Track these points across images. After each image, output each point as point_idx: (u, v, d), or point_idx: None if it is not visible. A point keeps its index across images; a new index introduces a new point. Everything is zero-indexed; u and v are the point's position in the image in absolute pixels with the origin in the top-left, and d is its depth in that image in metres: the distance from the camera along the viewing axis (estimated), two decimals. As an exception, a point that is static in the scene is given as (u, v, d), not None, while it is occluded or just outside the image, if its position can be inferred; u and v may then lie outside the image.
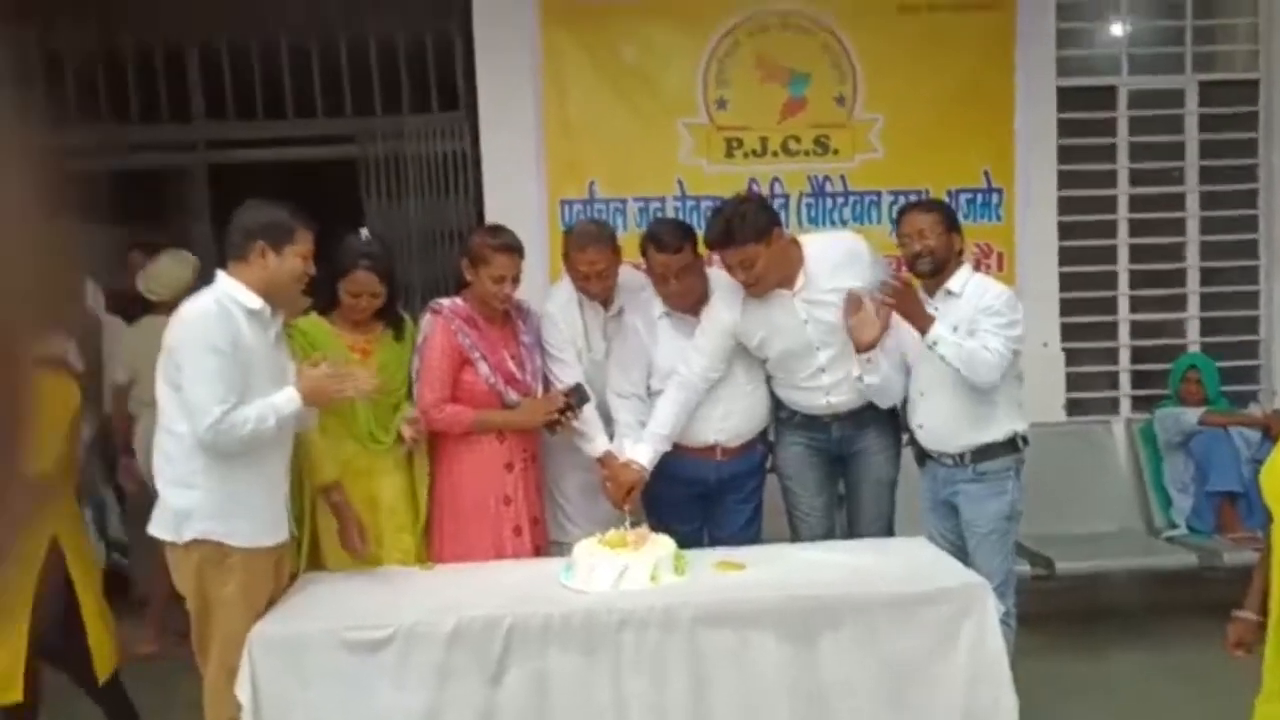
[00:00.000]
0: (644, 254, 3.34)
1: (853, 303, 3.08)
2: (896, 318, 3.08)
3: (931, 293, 3.15)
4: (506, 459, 3.19)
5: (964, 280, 3.12)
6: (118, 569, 4.72)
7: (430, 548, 3.16)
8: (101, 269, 4.66)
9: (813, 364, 3.27)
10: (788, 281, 3.22)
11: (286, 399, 2.64)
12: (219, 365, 2.53)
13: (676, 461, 3.30)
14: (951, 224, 3.17)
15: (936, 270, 3.12)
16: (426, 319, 3.18)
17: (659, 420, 3.28)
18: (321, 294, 3.06)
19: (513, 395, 3.18)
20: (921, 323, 3.02)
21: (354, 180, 4.49)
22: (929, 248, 3.10)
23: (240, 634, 2.58)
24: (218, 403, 2.51)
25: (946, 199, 4.35)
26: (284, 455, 2.79)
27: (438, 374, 3.11)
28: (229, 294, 2.63)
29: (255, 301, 2.64)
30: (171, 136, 4.94)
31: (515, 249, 3.14)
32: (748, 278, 3.15)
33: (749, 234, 3.09)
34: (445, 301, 3.19)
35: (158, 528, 2.66)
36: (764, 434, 3.50)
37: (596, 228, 3.40)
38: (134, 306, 4.57)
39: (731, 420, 3.38)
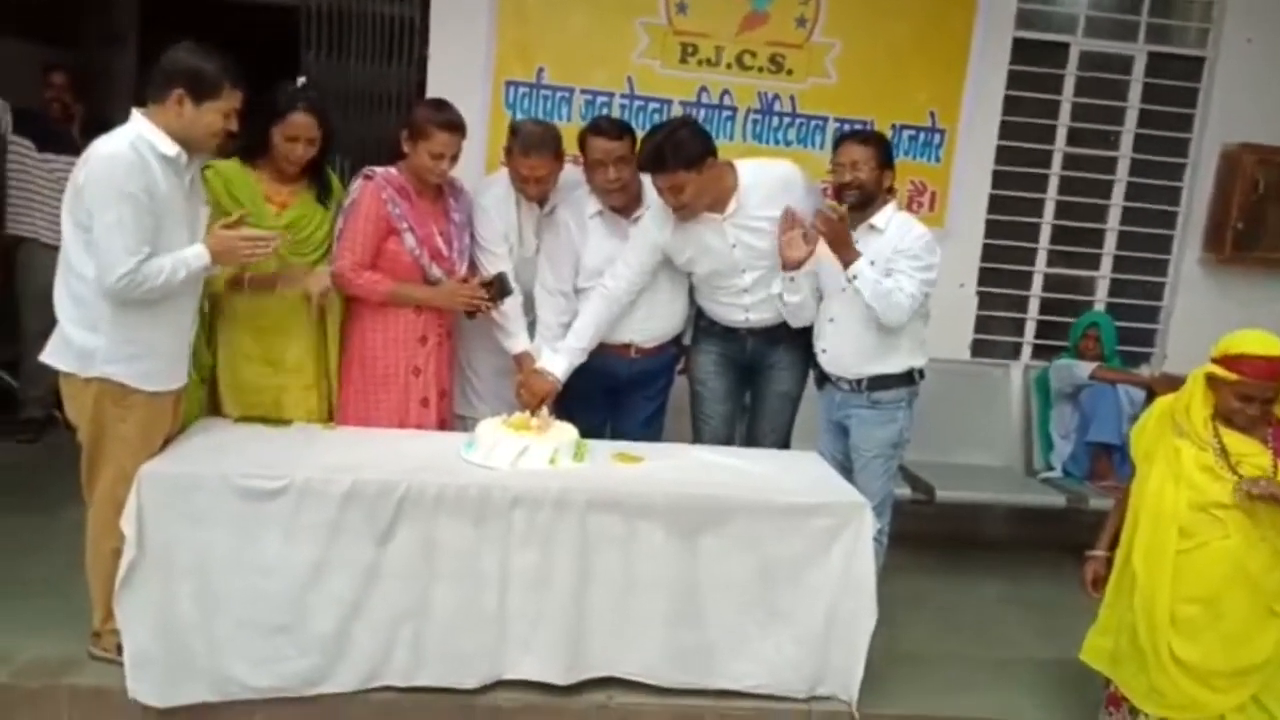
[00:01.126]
0: (582, 147, 3.32)
1: (787, 220, 3.12)
2: (822, 243, 3.14)
3: (855, 226, 3.20)
4: (421, 332, 3.21)
5: (888, 218, 3.17)
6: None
7: (335, 410, 3.17)
8: (11, 86, 4.43)
9: (737, 284, 3.33)
10: (719, 205, 3.23)
11: (196, 254, 2.60)
12: (132, 214, 2.46)
13: (591, 356, 3.36)
14: (885, 160, 3.20)
15: (864, 204, 3.17)
16: (357, 183, 3.13)
17: (578, 333, 3.31)
18: (252, 141, 2.96)
19: (436, 271, 3.17)
20: (847, 254, 3.08)
21: (294, 30, 4.31)
22: (859, 180, 3.14)
23: (132, 470, 2.59)
24: (130, 254, 2.46)
25: (891, 133, 4.40)
26: (191, 301, 2.76)
27: (360, 238, 3.08)
28: (144, 137, 2.53)
29: (170, 147, 2.56)
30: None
31: (458, 127, 3.10)
32: (675, 203, 3.15)
33: (680, 161, 3.08)
34: (379, 169, 3.14)
35: (57, 359, 2.61)
36: (678, 337, 3.57)
37: (542, 132, 3.29)
38: (48, 131, 4.40)
39: (651, 323, 3.44)
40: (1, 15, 4.51)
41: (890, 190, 3.24)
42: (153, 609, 2.60)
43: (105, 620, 2.71)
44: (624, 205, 3.36)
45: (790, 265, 3.14)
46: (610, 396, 3.51)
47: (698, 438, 3.54)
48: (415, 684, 2.74)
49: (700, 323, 3.54)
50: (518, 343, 3.36)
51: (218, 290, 2.94)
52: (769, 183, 3.26)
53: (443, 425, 3.31)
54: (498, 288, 3.23)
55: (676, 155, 3.07)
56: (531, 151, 3.22)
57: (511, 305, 3.33)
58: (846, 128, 4.28)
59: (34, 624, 2.90)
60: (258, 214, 2.89)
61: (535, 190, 3.30)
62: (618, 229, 3.37)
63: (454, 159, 3.12)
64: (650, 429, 3.53)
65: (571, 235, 3.37)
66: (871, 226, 3.17)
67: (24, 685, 2.69)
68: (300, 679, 2.68)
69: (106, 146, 2.51)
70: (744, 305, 3.36)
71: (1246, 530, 2.46)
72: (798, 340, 3.41)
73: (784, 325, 3.37)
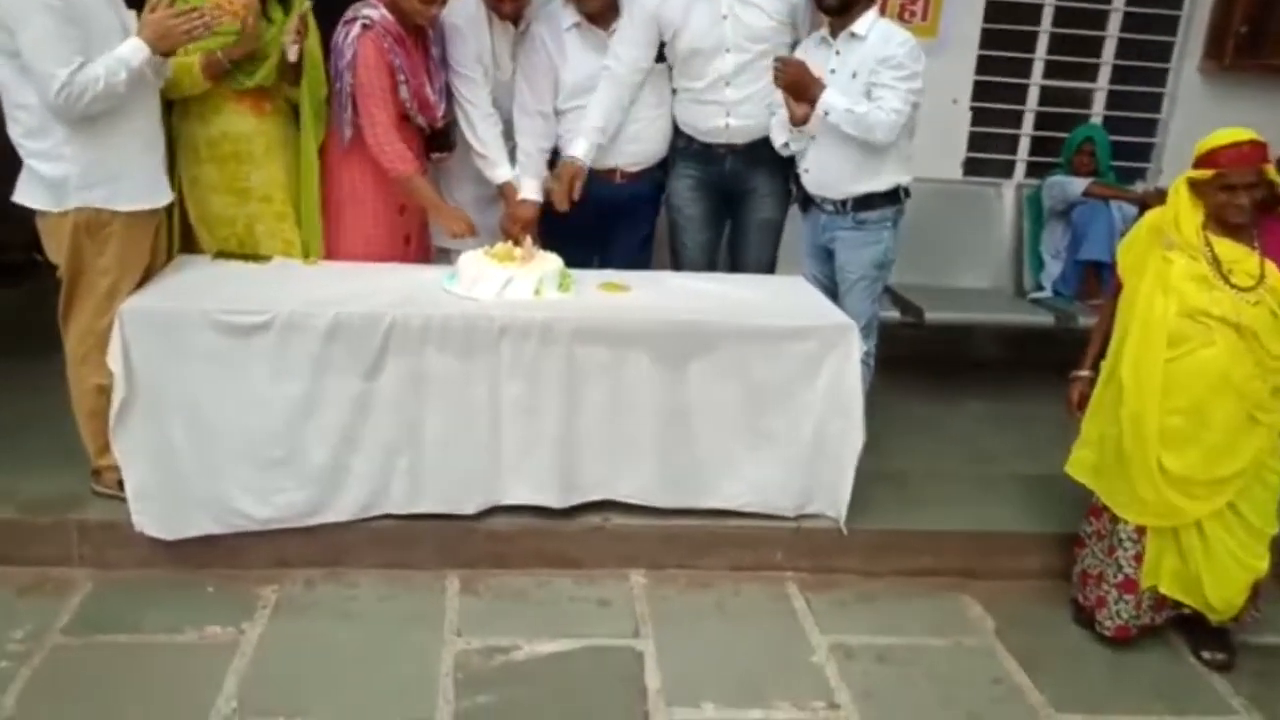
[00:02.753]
0: (554, -51, 3.15)
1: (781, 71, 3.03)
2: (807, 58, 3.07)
3: (836, 34, 3.09)
4: (407, 170, 3.13)
5: (870, 24, 3.05)
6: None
7: (314, 244, 3.10)
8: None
9: (718, 69, 3.21)
10: None
11: (132, 49, 2.50)
12: (54, 23, 2.36)
13: (575, 183, 3.29)
14: None
15: (843, 9, 3.04)
16: (355, 33, 2.94)
17: (592, 116, 3.24)
18: None
19: (420, 120, 3.10)
20: (813, 93, 3.01)
21: None
22: None
23: (109, 305, 2.57)
24: (61, 65, 2.38)
25: (882, -64, 4.16)
26: (152, 111, 2.68)
27: (379, 94, 2.96)
28: None
29: None
30: None
31: None
32: None
33: None
34: (374, 15, 2.95)
35: (29, 197, 2.56)
36: (663, 164, 3.48)
37: None
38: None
39: (636, 145, 3.36)
40: None
41: None
42: (148, 445, 2.63)
43: (99, 456, 2.75)
44: (600, 12, 3.21)
45: (798, 123, 3.08)
46: (598, 229, 3.44)
47: (676, 268, 3.50)
48: (414, 511, 2.81)
49: (677, 144, 3.43)
50: (501, 172, 3.28)
51: (193, 83, 2.79)
52: None
53: (425, 258, 3.27)
54: (443, 139, 3.20)
55: None
56: None
57: (491, 134, 3.23)
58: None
59: (33, 462, 2.94)
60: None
61: (510, 8, 3.15)
62: (596, 42, 3.24)
63: (444, 2, 2.97)
64: (638, 259, 3.49)
65: (549, 52, 3.24)
66: (853, 34, 3.05)
67: (34, 521, 2.75)
68: (299, 510, 2.74)
69: None
70: (725, 104, 3.25)
71: (1232, 341, 2.47)
72: (778, 164, 3.34)
73: (765, 145, 3.29)
